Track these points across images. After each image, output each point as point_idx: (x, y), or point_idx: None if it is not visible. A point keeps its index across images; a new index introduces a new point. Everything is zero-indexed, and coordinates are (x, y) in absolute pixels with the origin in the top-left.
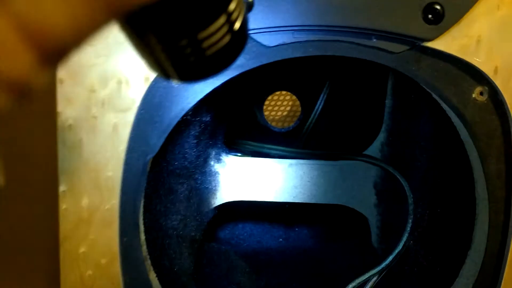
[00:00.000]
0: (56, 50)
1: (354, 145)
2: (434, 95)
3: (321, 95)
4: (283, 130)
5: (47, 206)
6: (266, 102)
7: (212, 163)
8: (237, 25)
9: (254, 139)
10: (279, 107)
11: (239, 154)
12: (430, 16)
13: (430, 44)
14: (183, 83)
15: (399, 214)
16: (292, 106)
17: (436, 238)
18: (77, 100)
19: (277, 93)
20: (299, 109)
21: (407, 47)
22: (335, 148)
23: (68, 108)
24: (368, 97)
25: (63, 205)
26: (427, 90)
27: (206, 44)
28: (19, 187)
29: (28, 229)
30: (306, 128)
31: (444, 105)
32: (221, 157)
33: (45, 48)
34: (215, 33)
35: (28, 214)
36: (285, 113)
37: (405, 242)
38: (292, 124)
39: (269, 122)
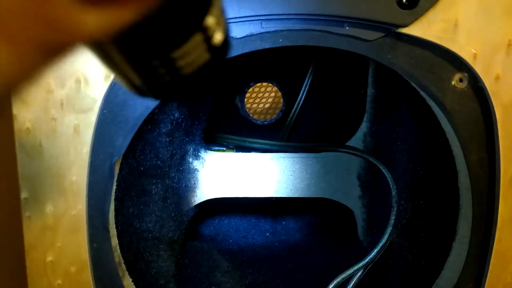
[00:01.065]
0: (5, 89)
1: (337, 136)
2: (412, 84)
3: (303, 86)
4: (265, 122)
5: (10, 214)
6: (247, 95)
7: (190, 160)
8: (217, 41)
9: (236, 133)
10: (261, 99)
11: (222, 149)
12: (404, 0)
13: (405, 30)
14: (160, 101)
15: (384, 206)
16: (274, 98)
17: (420, 231)
18: (33, 102)
19: (258, 85)
20: (281, 100)
21: (382, 34)
22: (318, 140)
23: (24, 111)
24: (350, 86)
25: (26, 213)
26: (405, 78)
27: (181, 63)
28: None
29: None
30: (288, 120)
31: (423, 94)
32: (199, 154)
33: None
34: (192, 52)
35: None
36: (267, 105)
37: (389, 235)
38: (274, 116)
39: (251, 115)
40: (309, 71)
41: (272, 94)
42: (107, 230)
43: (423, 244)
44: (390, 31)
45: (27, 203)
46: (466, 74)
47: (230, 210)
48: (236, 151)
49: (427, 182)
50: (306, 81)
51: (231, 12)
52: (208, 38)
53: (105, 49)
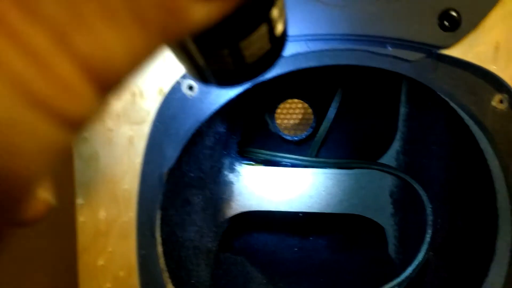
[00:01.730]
0: (113, 81)
1: (368, 154)
2: (451, 104)
3: (333, 103)
4: (295, 138)
5: (65, 219)
6: (278, 110)
7: (226, 173)
8: (278, 32)
9: (266, 148)
10: (291, 115)
11: (252, 163)
12: (446, 23)
13: (447, 52)
14: (221, 87)
15: (417, 224)
16: (304, 114)
17: (457, 250)
18: None
19: (289, 101)
20: (312, 117)
21: (423, 55)
22: (349, 157)
23: None
24: (382, 104)
25: (80, 218)
26: (444, 98)
27: (247, 52)
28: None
29: (47, 243)
30: (318, 136)
31: (462, 113)
32: (234, 167)
33: (104, 81)
34: (257, 41)
35: (46, 228)
36: (297, 121)
37: (425, 253)
38: (304, 132)
39: (281, 131)
40: (339, 90)
41: (302, 111)
42: (154, 237)
43: (460, 264)
44: (431, 52)
45: (82, 208)
46: (506, 96)
47: (259, 225)
48: (265, 166)
49: (464, 201)
50: (335, 99)
51: None
52: (271, 29)
53: (182, 40)
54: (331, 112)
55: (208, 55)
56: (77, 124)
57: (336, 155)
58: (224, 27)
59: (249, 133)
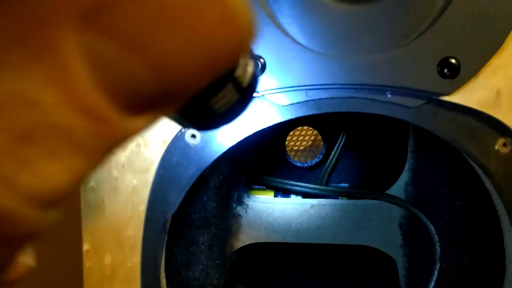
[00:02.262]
0: (58, 201)
1: (377, 183)
2: (455, 147)
3: (342, 132)
4: (305, 165)
5: (72, 263)
6: (288, 138)
7: (233, 205)
8: (245, 84)
9: (276, 174)
10: (301, 142)
11: (262, 188)
12: (446, 70)
13: (447, 98)
14: (200, 131)
15: (427, 256)
16: (314, 141)
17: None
18: None
19: (299, 128)
20: (321, 144)
21: (424, 101)
22: (358, 185)
23: None
24: (391, 134)
25: (87, 263)
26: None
27: (216, 106)
28: (45, 248)
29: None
30: (328, 163)
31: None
32: (242, 200)
33: (48, 204)
34: (224, 97)
35: (53, 271)
36: (307, 148)
37: (434, 285)
38: (315, 159)
39: (291, 157)
40: (348, 120)
41: (312, 138)
42: (158, 281)
43: None
44: (431, 98)
45: (88, 254)
46: (509, 139)
47: (269, 255)
48: (275, 193)
49: (471, 240)
50: (344, 129)
51: (279, 83)
52: (237, 84)
53: None
54: (341, 140)
55: (182, 114)
56: (26, 240)
57: (346, 183)
58: (193, 99)
59: (259, 160)
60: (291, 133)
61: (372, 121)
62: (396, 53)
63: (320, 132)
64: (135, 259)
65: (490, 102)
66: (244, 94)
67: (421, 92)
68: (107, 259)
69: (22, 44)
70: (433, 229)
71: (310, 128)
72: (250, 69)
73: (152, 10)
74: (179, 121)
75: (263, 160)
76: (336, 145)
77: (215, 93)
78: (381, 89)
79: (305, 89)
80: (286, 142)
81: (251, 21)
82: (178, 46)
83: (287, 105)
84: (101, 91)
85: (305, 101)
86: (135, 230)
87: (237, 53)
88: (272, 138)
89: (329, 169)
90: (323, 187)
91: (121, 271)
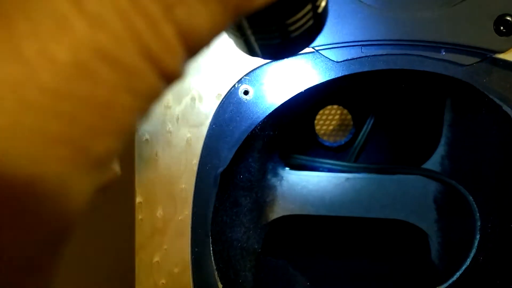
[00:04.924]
0: (199, 46)
1: (411, 159)
2: (504, 107)
3: (372, 112)
4: (334, 144)
5: (125, 215)
6: (317, 117)
7: (269, 177)
8: (320, 9)
9: (305, 153)
10: (330, 121)
11: (290, 168)
12: (501, 27)
13: (501, 56)
14: (265, 59)
15: (463, 231)
16: (343, 120)
17: (509, 255)
18: (153, 116)
19: (328, 107)
20: (351, 123)
21: (478, 59)
22: (391, 162)
23: (145, 124)
24: (425, 109)
25: (139, 216)
26: (498, 102)
27: (292, 28)
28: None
29: (106, 237)
30: (357, 143)
31: None
32: (277, 171)
33: (192, 45)
34: (301, 18)
35: (106, 223)
36: (336, 128)
37: (472, 259)
38: (344, 138)
39: (320, 137)
40: (379, 97)
41: (342, 117)
42: (208, 236)
43: None
44: (486, 56)
45: (141, 207)
46: None
47: (302, 228)
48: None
49: None
50: (375, 107)
51: (334, 38)
52: (315, 7)
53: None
54: (370, 120)
55: (258, 31)
56: (170, 78)
57: (377, 161)
58: (275, 8)
59: (289, 139)
60: (321, 112)
61: (404, 97)
62: (452, 10)
63: (349, 111)
64: (186, 213)
65: None
66: (317, 22)
67: (476, 49)
68: (159, 212)
69: None
70: (472, 200)
71: (340, 107)
72: None
73: None
74: (251, 45)
75: (293, 139)
76: (366, 124)
77: (295, 12)
78: (436, 46)
79: (360, 45)
80: (315, 121)
81: None
82: None
83: (341, 61)
84: None
85: (359, 57)
86: (187, 184)
87: None
88: (302, 116)
89: (358, 148)
90: (355, 165)
91: (172, 225)
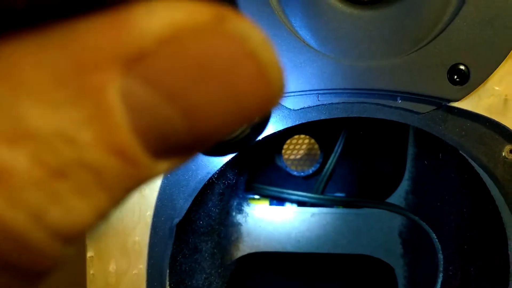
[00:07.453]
0: (78, 235)
1: (376, 192)
2: (462, 153)
3: (339, 139)
4: (302, 174)
5: (76, 271)
6: (285, 146)
7: (234, 214)
8: (257, 120)
9: (273, 183)
10: (298, 150)
11: (256, 198)
12: (455, 77)
13: (456, 104)
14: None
15: (428, 266)
16: (311, 149)
17: None
18: None
19: (296, 136)
20: (318, 152)
21: (433, 107)
22: (357, 195)
23: None
24: (389, 142)
25: (91, 271)
26: (455, 147)
27: (227, 137)
28: None
29: None
30: (324, 172)
31: (472, 162)
32: (242, 207)
33: (69, 238)
34: (236, 133)
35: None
36: (304, 157)
37: None
38: (311, 167)
39: (288, 166)
40: (346, 128)
41: (309, 146)
42: None
43: None
44: (441, 104)
45: (92, 261)
46: None
47: (266, 266)
48: (271, 201)
49: (476, 248)
50: (342, 136)
51: (290, 87)
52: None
53: None
54: (337, 148)
55: None
56: (44, 274)
57: (343, 192)
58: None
59: (256, 169)
60: (288, 141)
61: (370, 130)
62: (407, 59)
63: (317, 141)
64: (140, 266)
65: (498, 108)
66: (256, 129)
67: (431, 98)
68: (112, 266)
69: (69, 84)
70: (435, 237)
71: (307, 136)
72: None
73: (191, 65)
74: None
75: (260, 169)
76: (333, 154)
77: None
78: (392, 94)
79: (316, 93)
80: (283, 151)
81: (282, 78)
82: (213, 99)
83: (298, 109)
84: (135, 135)
85: (316, 105)
86: (141, 235)
87: (269, 106)
88: (270, 146)
89: (325, 178)
90: (320, 196)
91: (126, 279)
